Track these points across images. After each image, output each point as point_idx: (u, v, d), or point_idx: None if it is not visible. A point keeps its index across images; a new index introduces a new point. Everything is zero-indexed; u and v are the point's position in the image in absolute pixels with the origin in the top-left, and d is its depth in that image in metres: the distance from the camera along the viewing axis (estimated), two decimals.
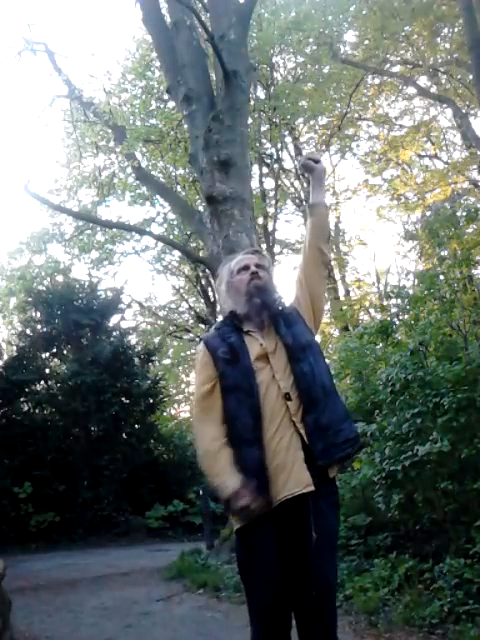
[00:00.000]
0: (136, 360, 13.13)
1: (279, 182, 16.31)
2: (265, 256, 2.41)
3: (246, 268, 2.24)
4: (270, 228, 15.58)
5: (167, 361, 19.60)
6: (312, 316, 2.26)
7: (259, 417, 1.99)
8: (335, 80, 14.45)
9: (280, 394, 2.01)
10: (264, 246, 14.80)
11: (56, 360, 13.19)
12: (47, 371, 12.74)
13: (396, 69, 15.34)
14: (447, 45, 14.22)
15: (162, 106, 13.50)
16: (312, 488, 1.92)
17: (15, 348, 12.74)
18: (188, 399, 22.83)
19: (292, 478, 1.93)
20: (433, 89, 15.02)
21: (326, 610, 1.92)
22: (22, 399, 12.09)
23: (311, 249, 2.28)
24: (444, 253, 5.57)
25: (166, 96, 11.32)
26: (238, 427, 2.01)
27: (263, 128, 14.13)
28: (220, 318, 2.41)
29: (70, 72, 20.59)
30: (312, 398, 2.02)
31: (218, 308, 10.64)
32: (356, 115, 16.09)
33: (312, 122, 16.73)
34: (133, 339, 14.62)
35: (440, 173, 14.42)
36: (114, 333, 13.41)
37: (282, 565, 1.93)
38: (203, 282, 16.45)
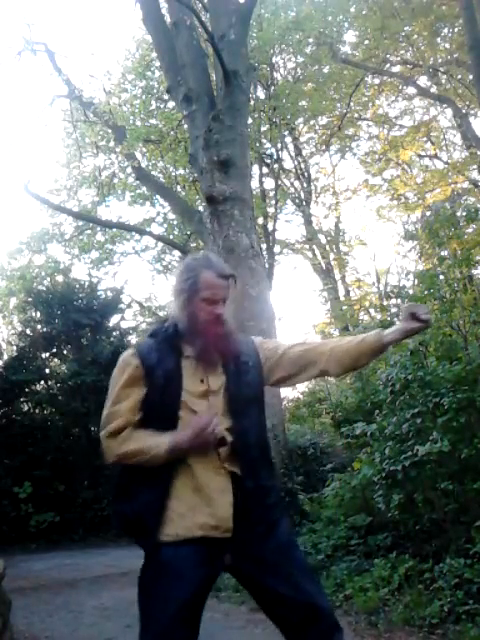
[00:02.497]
0: None
1: (279, 182, 16.29)
2: (234, 282, 2.05)
3: (214, 303, 1.94)
4: (270, 228, 15.57)
5: None
6: (268, 376, 2.05)
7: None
8: (335, 80, 14.45)
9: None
10: (264, 246, 14.80)
11: (56, 360, 13.17)
12: (47, 371, 12.73)
13: (396, 69, 15.36)
14: (447, 45, 14.24)
15: (162, 106, 13.51)
16: (229, 535, 1.83)
17: (15, 348, 12.73)
18: None
19: (215, 518, 1.83)
20: (433, 89, 15.02)
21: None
22: (22, 399, 12.07)
23: (321, 369, 2.00)
24: (444, 253, 5.56)
25: (166, 96, 11.33)
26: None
27: (263, 128, 14.12)
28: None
29: (70, 72, 20.55)
30: (252, 457, 1.92)
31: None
32: (356, 115, 16.10)
33: (312, 122, 16.73)
34: (133, 339, 14.60)
35: (440, 173, 14.43)
36: (114, 333, 13.40)
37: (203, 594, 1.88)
38: None
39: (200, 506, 1.83)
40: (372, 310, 14.26)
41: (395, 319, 5.67)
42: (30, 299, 13.07)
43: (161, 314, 19.52)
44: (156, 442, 1.84)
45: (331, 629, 1.87)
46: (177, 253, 16.39)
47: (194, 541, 1.82)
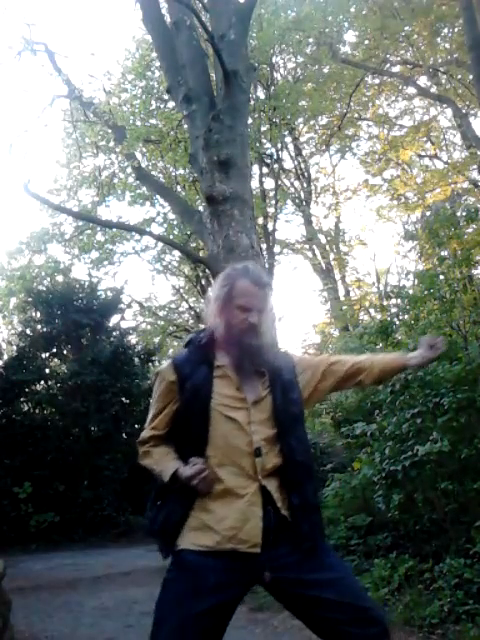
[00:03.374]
0: (136, 360, 13.12)
1: (279, 182, 16.30)
2: (271, 293, 2.13)
3: (248, 310, 1.97)
4: (270, 228, 15.58)
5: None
6: (307, 395, 2.08)
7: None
8: (335, 80, 14.47)
9: (247, 446, 1.87)
10: (264, 246, 14.81)
11: (56, 360, 13.18)
12: (47, 371, 12.73)
13: (396, 69, 15.38)
14: (447, 45, 14.25)
15: (162, 106, 13.51)
16: (258, 550, 1.81)
17: (15, 348, 12.72)
18: None
19: (242, 532, 1.82)
20: (433, 89, 15.04)
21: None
22: (22, 399, 12.07)
23: (358, 380, 2.13)
24: (444, 253, 5.56)
25: (166, 96, 11.33)
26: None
27: (263, 128, 14.12)
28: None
29: (70, 72, 20.53)
30: (299, 475, 1.93)
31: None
32: (356, 115, 16.12)
33: (312, 122, 16.75)
34: (133, 339, 14.62)
35: (440, 173, 14.45)
36: (114, 333, 13.40)
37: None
38: (203, 282, 16.45)
39: (228, 519, 1.83)
40: (372, 310, 14.25)
41: (395, 319, 5.68)
42: (30, 299, 13.07)
43: (160, 314, 19.54)
44: (165, 467, 1.92)
45: (381, 635, 1.83)
46: (177, 253, 16.41)
47: (222, 553, 1.81)
